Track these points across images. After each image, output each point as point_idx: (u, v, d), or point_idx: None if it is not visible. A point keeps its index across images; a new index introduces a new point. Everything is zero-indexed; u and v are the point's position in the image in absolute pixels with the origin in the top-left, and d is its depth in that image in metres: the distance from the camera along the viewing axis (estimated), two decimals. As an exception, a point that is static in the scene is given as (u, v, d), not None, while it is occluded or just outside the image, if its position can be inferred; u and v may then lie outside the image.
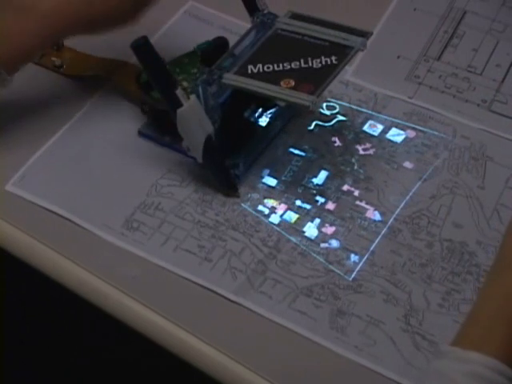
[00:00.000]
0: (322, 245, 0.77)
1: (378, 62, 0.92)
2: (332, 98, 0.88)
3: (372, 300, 0.73)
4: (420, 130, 0.86)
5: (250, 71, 0.76)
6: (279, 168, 0.82)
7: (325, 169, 0.82)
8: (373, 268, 0.75)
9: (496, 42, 0.94)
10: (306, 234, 0.77)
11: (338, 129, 0.86)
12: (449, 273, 0.75)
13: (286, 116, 0.85)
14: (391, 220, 0.78)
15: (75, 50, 0.91)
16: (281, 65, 0.76)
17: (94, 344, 1.03)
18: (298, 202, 0.80)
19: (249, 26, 0.83)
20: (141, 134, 0.84)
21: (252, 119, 0.84)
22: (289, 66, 0.76)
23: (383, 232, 0.78)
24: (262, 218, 0.79)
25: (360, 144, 0.84)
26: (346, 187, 0.81)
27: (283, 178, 0.81)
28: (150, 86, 0.78)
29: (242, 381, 0.69)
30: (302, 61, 0.76)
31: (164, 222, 0.78)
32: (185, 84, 0.79)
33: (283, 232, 0.78)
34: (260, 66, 0.77)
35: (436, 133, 0.85)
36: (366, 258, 0.76)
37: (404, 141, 0.85)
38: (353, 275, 0.75)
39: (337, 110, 0.87)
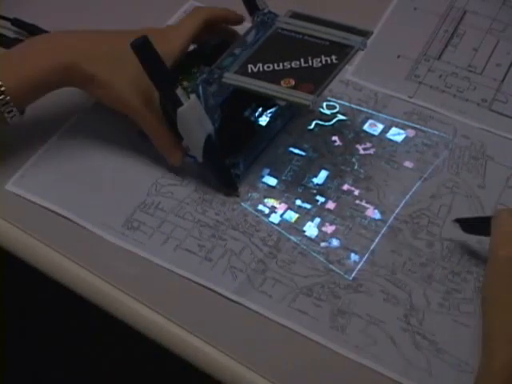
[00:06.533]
0: (322, 244, 0.77)
1: (378, 62, 0.92)
2: (332, 97, 0.88)
3: (372, 299, 0.73)
4: (420, 130, 0.86)
5: (250, 70, 0.76)
6: (279, 167, 0.82)
7: (325, 168, 0.82)
8: (373, 267, 0.75)
9: (496, 41, 0.94)
10: (306, 234, 0.77)
11: (338, 128, 0.86)
12: (449, 272, 0.75)
13: (286, 115, 0.85)
14: (391, 219, 0.78)
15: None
16: (281, 64, 0.76)
17: (94, 343, 1.03)
18: (298, 202, 0.80)
19: (249, 25, 0.83)
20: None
21: (252, 118, 0.84)
22: (289, 66, 0.76)
23: (383, 231, 0.78)
24: (262, 218, 0.79)
25: (360, 143, 0.84)
26: (346, 186, 0.81)
27: (283, 178, 0.81)
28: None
29: (242, 380, 0.69)
30: (302, 60, 0.76)
31: (164, 221, 0.78)
32: (185, 83, 0.79)
33: (283, 231, 0.78)
34: (260, 65, 0.77)
35: (436, 132, 0.85)
36: (366, 257, 0.76)
37: (404, 140, 0.85)
38: (353, 274, 0.75)
39: (337, 110, 0.87)
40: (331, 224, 0.78)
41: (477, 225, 0.73)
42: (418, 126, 0.86)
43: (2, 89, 0.75)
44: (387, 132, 0.85)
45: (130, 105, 0.77)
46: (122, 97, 0.77)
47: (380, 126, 0.86)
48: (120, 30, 0.80)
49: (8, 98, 0.75)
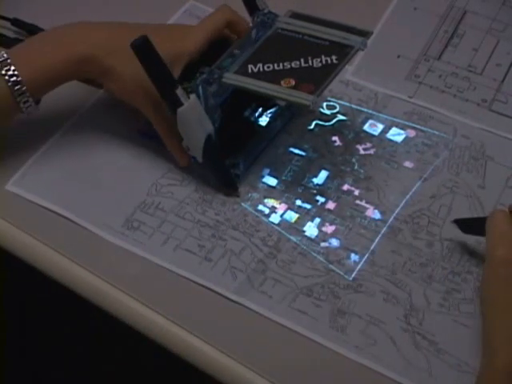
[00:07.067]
0: (322, 244, 0.77)
1: (379, 62, 0.92)
2: (332, 97, 0.88)
3: (372, 299, 0.73)
4: (420, 130, 0.86)
5: (250, 70, 0.76)
6: (279, 168, 0.82)
7: (325, 168, 0.82)
8: (373, 267, 0.75)
9: (496, 41, 0.94)
10: (307, 234, 0.77)
11: (339, 128, 0.86)
12: (449, 272, 0.75)
13: (286, 115, 0.85)
14: (391, 219, 0.78)
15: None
16: (281, 64, 0.76)
17: (94, 343, 1.03)
18: (299, 202, 0.80)
19: (249, 25, 0.83)
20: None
21: (252, 119, 0.84)
22: (289, 66, 0.76)
23: (383, 231, 0.78)
24: (263, 218, 0.79)
25: (360, 143, 0.84)
26: (346, 187, 0.81)
27: (283, 178, 0.81)
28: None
29: (242, 380, 0.69)
30: (302, 60, 0.76)
31: (164, 221, 0.78)
32: (185, 83, 0.79)
33: (283, 231, 0.78)
34: (260, 65, 0.77)
35: (436, 132, 0.85)
36: (366, 257, 0.76)
37: (404, 140, 0.85)
38: (353, 275, 0.75)
39: (337, 110, 0.87)
40: (331, 224, 0.78)
41: (475, 225, 0.73)
42: (418, 126, 0.86)
43: (19, 79, 0.75)
44: (387, 132, 0.85)
45: (141, 100, 0.77)
46: (135, 92, 0.77)
47: (380, 126, 0.86)
48: (140, 23, 0.80)
49: (24, 88, 0.75)
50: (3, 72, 0.75)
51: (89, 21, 0.80)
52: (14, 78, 0.75)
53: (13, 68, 0.75)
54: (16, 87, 0.75)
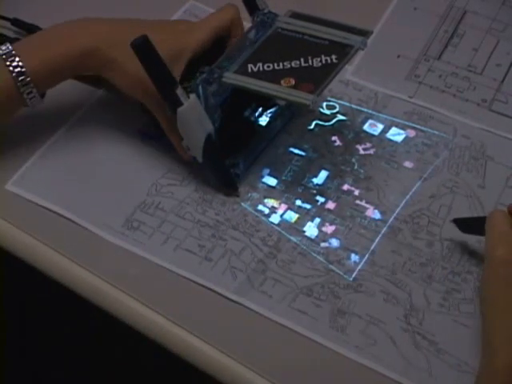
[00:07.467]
0: (323, 244, 0.77)
1: (378, 62, 0.92)
2: (332, 97, 0.88)
3: (372, 299, 0.73)
4: (420, 130, 0.86)
5: (250, 70, 0.76)
6: (279, 167, 0.82)
7: (325, 168, 0.82)
8: (373, 267, 0.75)
9: (496, 41, 0.94)
10: (307, 234, 0.77)
11: (338, 128, 0.86)
12: (449, 272, 0.75)
13: (286, 115, 0.85)
14: (391, 219, 0.78)
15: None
16: (281, 64, 0.76)
17: (94, 343, 1.03)
18: (298, 202, 0.80)
19: (249, 25, 0.83)
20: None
21: (252, 118, 0.84)
22: (289, 65, 0.76)
23: (383, 231, 0.78)
24: (262, 218, 0.79)
25: (360, 143, 0.84)
26: (346, 187, 0.81)
27: (283, 178, 0.81)
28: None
29: (242, 380, 0.69)
30: (302, 60, 0.76)
31: (164, 221, 0.78)
32: (185, 83, 0.79)
33: (283, 232, 0.78)
34: (260, 65, 0.77)
35: (436, 132, 0.85)
36: (366, 257, 0.76)
37: (404, 140, 0.85)
38: (353, 275, 0.75)
39: (337, 110, 0.87)
40: (331, 224, 0.78)
41: (474, 225, 0.73)
42: (418, 126, 0.86)
43: (23, 70, 0.75)
44: (387, 132, 0.85)
45: (144, 94, 0.77)
46: (138, 85, 0.77)
47: (380, 126, 0.86)
48: (143, 19, 0.81)
49: (28, 79, 0.76)
50: (7, 63, 0.75)
51: (90, 17, 0.81)
52: (19, 69, 0.75)
53: (17, 59, 0.75)
54: (20, 78, 0.75)
